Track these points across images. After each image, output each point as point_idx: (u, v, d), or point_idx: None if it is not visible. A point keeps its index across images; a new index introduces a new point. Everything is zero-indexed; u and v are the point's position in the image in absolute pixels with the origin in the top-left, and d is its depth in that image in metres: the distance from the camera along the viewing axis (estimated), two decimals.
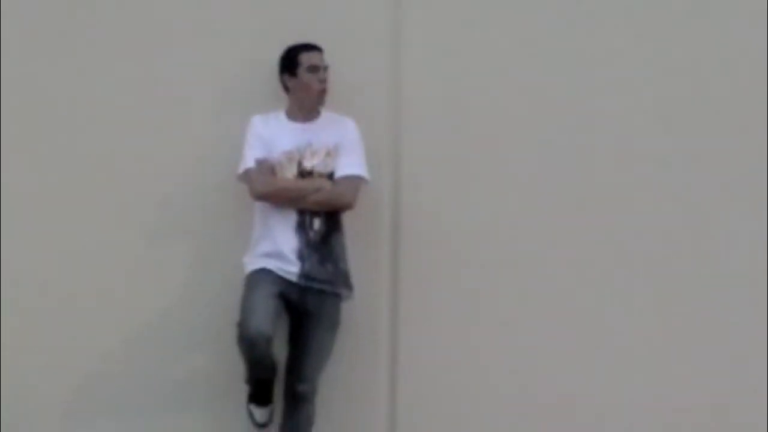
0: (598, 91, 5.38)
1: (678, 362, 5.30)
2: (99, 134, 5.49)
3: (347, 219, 5.22)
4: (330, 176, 5.17)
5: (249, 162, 5.15)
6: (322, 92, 5.22)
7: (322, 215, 5.14)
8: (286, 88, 5.27)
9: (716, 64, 5.34)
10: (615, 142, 5.37)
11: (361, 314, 5.31)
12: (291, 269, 5.07)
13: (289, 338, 5.17)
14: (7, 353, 5.44)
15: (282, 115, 5.27)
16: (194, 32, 5.48)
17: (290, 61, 5.23)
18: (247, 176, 5.16)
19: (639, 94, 5.36)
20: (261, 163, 5.14)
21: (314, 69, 5.19)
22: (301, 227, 5.12)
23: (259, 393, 5.11)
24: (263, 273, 5.05)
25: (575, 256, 5.37)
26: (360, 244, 5.28)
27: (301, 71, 5.20)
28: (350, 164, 5.17)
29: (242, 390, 5.13)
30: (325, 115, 5.28)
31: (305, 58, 5.20)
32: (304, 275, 5.08)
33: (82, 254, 5.48)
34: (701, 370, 5.28)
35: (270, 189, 5.11)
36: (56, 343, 5.46)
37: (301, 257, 5.09)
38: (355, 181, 5.17)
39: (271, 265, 5.07)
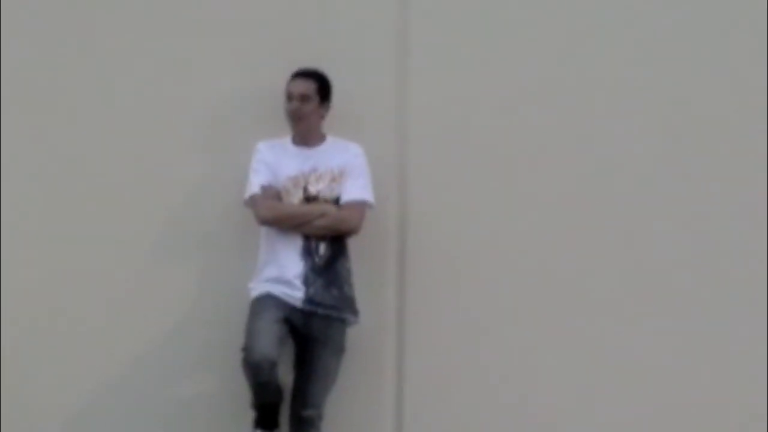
0: (609, 106, 5.38)
1: (683, 371, 5.29)
2: (105, 156, 5.52)
3: (353, 243, 5.22)
4: (336, 201, 5.18)
5: (254, 188, 5.17)
6: (296, 120, 5.21)
7: (328, 240, 5.15)
8: None
9: (717, 67, 5.34)
10: (623, 157, 5.36)
11: (367, 339, 5.30)
12: (296, 294, 5.09)
13: (295, 363, 5.18)
14: (8, 372, 5.44)
15: (288, 141, 5.29)
16: (206, 54, 5.50)
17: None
18: (252, 202, 5.19)
19: (648, 104, 5.36)
20: (266, 189, 5.16)
21: (288, 97, 5.22)
22: (307, 252, 5.13)
23: (265, 418, 5.09)
24: (268, 298, 5.07)
25: (583, 274, 5.37)
26: (366, 268, 5.28)
27: (285, 99, 5.25)
28: (355, 189, 5.19)
29: (248, 414, 5.11)
30: (331, 140, 5.29)
31: (287, 86, 5.25)
32: (308, 300, 5.09)
33: (86, 275, 5.49)
34: (705, 377, 5.28)
35: (275, 214, 5.13)
36: (57, 364, 5.47)
37: (306, 282, 5.10)
38: (360, 205, 5.18)
39: (276, 290, 5.09)
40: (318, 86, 5.24)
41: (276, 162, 5.21)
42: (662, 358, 5.30)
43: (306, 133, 5.25)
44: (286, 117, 5.25)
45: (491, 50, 5.44)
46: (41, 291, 5.51)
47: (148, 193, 5.50)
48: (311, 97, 5.22)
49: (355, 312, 5.21)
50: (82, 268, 5.50)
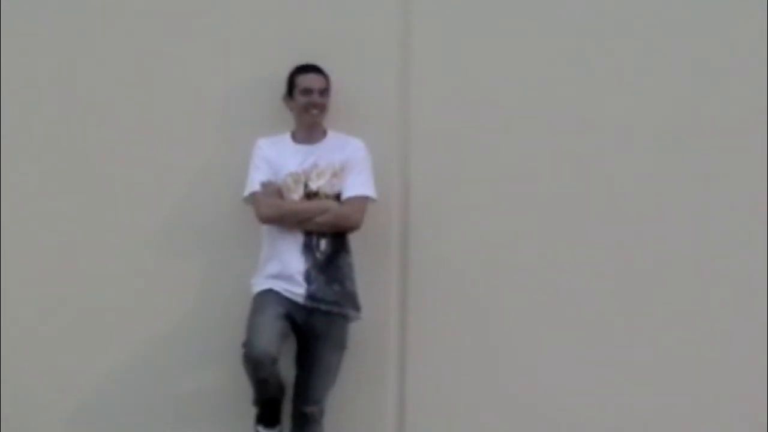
0: (614, 107, 5.35)
1: (690, 369, 5.27)
2: (106, 152, 5.53)
3: (355, 238, 5.21)
4: (337, 197, 5.18)
5: (254, 185, 5.18)
6: (316, 115, 5.23)
7: (329, 236, 5.15)
8: (289, 110, 5.31)
9: (720, 68, 5.31)
10: (628, 158, 5.33)
11: (369, 334, 5.29)
12: (297, 290, 5.09)
13: (296, 359, 5.17)
14: (8, 371, 5.46)
15: (288, 137, 5.29)
16: (207, 50, 5.50)
17: (289, 84, 5.28)
18: (252, 199, 5.19)
19: (655, 105, 5.32)
20: (266, 186, 5.16)
21: (307, 92, 5.22)
22: (308, 248, 5.13)
23: (267, 414, 5.09)
24: (270, 294, 5.07)
25: (586, 273, 5.34)
26: (368, 264, 5.28)
27: (297, 93, 5.24)
28: (356, 184, 5.18)
29: (250, 411, 5.11)
30: (332, 135, 5.29)
31: (300, 80, 5.24)
32: (310, 296, 5.09)
33: (86, 272, 5.52)
34: (711, 375, 5.26)
35: (276, 212, 5.14)
36: (57, 361, 5.49)
37: (307, 278, 5.10)
38: (361, 201, 5.17)
39: (278, 286, 5.09)
40: (327, 81, 5.27)
41: (276, 158, 5.21)
42: (671, 357, 5.28)
43: (317, 128, 5.25)
44: (297, 111, 5.23)
45: (495, 47, 5.42)
46: (41, 288, 5.53)
47: (148, 190, 5.50)
48: (326, 91, 5.25)
49: (357, 308, 5.20)
50: (82, 265, 5.52)
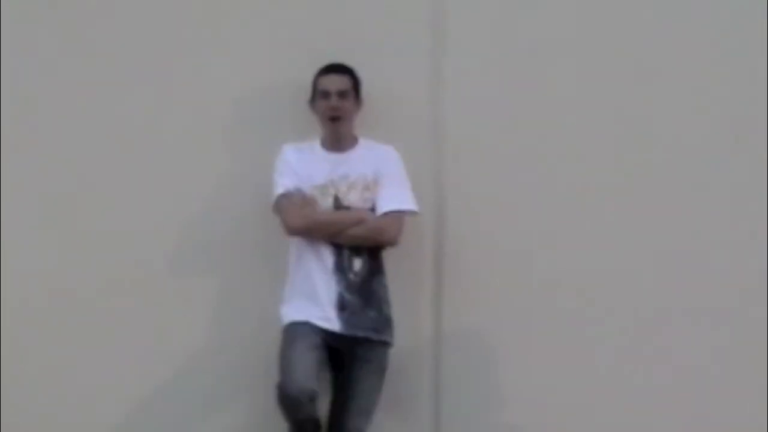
0: (656, 111, 5.17)
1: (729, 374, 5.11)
2: (119, 161, 5.22)
3: (385, 256, 4.90)
4: (371, 211, 4.86)
5: (280, 190, 4.82)
6: (336, 120, 4.86)
7: (364, 255, 4.81)
8: (316, 116, 4.97)
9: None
10: (668, 159, 5.15)
11: (402, 360, 4.99)
12: (331, 318, 4.76)
13: (333, 388, 4.84)
14: (9, 406, 5.16)
15: (316, 145, 4.93)
16: (226, 51, 5.21)
17: (312, 87, 4.92)
18: (279, 208, 4.82)
19: (696, 108, 5.16)
20: (294, 194, 4.80)
21: (325, 95, 4.86)
22: (340, 269, 4.79)
23: None
24: (301, 324, 4.74)
25: (630, 292, 5.14)
26: (400, 283, 4.97)
27: (316, 97, 4.89)
28: (392, 197, 4.84)
29: None
30: (363, 143, 4.94)
31: (320, 83, 4.89)
32: (344, 323, 4.76)
33: (96, 293, 5.17)
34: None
35: (305, 223, 4.78)
36: (66, 397, 5.17)
37: (341, 303, 4.77)
38: (398, 215, 4.83)
39: (309, 314, 4.75)
40: (353, 82, 4.90)
41: (303, 168, 4.85)
42: (715, 364, 5.11)
43: (342, 135, 4.89)
44: (319, 117, 4.90)
45: (530, 49, 5.18)
46: (45, 305, 5.19)
47: (162, 201, 5.17)
48: (349, 93, 4.87)
49: (392, 333, 4.88)
50: (91, 287, 5.18)
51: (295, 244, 4.83)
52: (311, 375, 4.57)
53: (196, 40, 5.20)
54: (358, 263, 4.79)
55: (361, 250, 4.79)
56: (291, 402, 4.52)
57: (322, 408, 4.75)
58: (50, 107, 5.23)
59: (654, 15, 5.15)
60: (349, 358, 4.78)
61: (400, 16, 5.16)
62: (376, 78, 4.99)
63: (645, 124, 5.14)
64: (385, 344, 4.83)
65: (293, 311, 4.77)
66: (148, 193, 5.17)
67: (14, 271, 5.16)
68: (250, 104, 5.15)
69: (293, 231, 4.78)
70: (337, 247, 4.78)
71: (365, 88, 4.95)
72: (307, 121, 4.96)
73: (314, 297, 4.75)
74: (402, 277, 4.98)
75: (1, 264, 5.15)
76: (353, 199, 4.82)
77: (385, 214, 4.80)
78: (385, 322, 4.83)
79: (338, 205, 4.82)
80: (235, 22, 5.19)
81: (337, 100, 4.83)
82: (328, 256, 4.78)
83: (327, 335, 4.73)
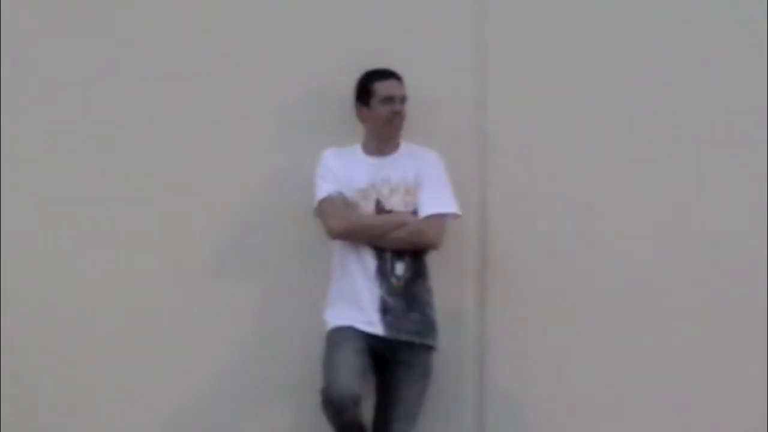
0: (699, 109, 5.11)
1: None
2: (162, 165, 5.17)
3: (428, 260, 4.87)
4: (413, 215, 4.83)
5: (323, 194, 4.80)
6: (397, 126, 4.87)
7: (406, 259, 4.78)
8: (361, 119, 4.92)
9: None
10: (713, 158, 5.10)
11: (445, 365, 4.96)
12: (373, 322, 4.73)
13: (377, 393, 4.81)
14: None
15: (357, 149, 4.91)
16: (270, 56, 5.16)
17: (364, 90, 4.88)
18: (321, 212, 4.80)
19: (741, 116, 5.09)
20: (336, 198, 4.79)
21: (389, 100, 4.84)
22: (382, 273, 4.76)
23: None
24: (345, 329, 4.72)
25: (679, 286, 5.07)
26: (443, 287, 4.92)
27: (375, 102, 4.85)
28: (434, 201, 4.81)
29: None
30: (405, 147, 4.91)
31: (380, 88, 4.84)
32: (387, 327, 4.73)
33: (133, 298, 5.13)
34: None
35: (348, 226, 4.76)
36: (90, 409, 5.13)
37: (383, 307, 4.74)
38: (440, 218, 4.80)
39: (352, 318, 4.73)
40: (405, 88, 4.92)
41: (344, 172, 4.83)
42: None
43: (392, 140, 4.88)
44: (373, 121, 4.86)
45: (573, 52, 5.13)
46: (74, 314, 5.14)
47: (205, 206, 5.12)
48: (405, 99, 4.87)
49: (436, 337, 4.84)
50: (124, 284, 5.13)
51: (338, 248, 4.81)
52: (355, 379, 4.54)
53: (237, 43, 5.16)
54: (400, 267, 4.76)
55: (403, 253, 4.76)
56: (336, 406, 4.49)
57: (367, 412, 4.72)
58: (78, 105, 5.20)
59: (701, 16, 5.11)
60: (393, 363, 4.75)
61: (443, 20, 5.12)
62: (419, 82, 4.95)
63: (689, 126, 5.09)
64: (429, 348, 4.79)
65: (336, 316, 4.75)
66: (191, 198, 5.13)
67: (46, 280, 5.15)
68: (292, 108, 5.12)
69: (335, 235, 4.76)
70: (380, 251, 4.76)
71: (408, 93, 4.92)
72: (348, 124, 4.94)
73: (357, 301, 4.73)
74: (446, 280, 4.95)
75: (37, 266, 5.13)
76: (395, 202, 4.80)
77: (427, 217, 4.77)
78: (428, 326, 4.79)
79: (380, 208, 4.80)
80: (275, 25, 5.16)
81: (401, 106, 4.84)
82: (370, 260, 4.75)
83: (370, 339, 4.70)
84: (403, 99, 4.86)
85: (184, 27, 5.19)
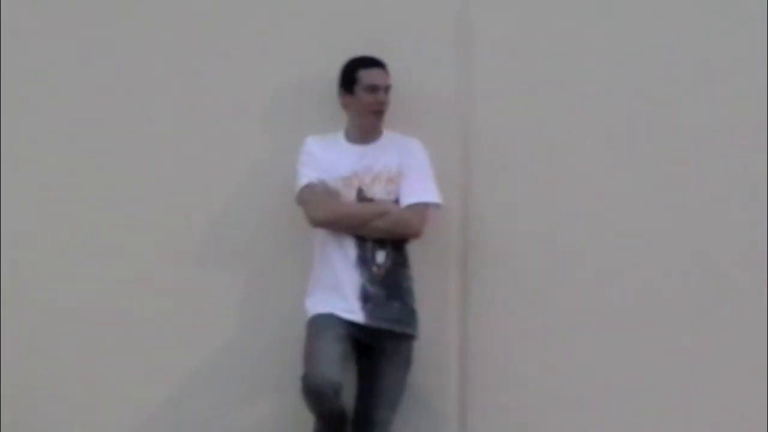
0: (689, 106, 5.09)
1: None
2: (143, 156, 5.21)
3: (410, 249, 4.88)
4: (395, 203, 4.84)
5: (304, 181, 4.81)
6: (380, 114, 4.88)
7: (387, 248, 4.79)
8: (344, 106, 4.92)
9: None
10: (702, 156, 5.08)
11: (428, 354, 4.96)
12: (354, 310, 4.74)
13: (358, 380, 4.82)
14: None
15: (340, 136, 4.92)
16: (254, 47, 5.17)
17: (348, 78, 4.87)
18: (302, 199, 4.81)
19: (727, 108, 5.07)
20: (318, 186, 4.80)
21: (373, 89, 4.84)
22: (363, 261, 4.77)
23: None
24: (326, 316, 4.72)
25: (662, 280, 5.07)
26: (425, 277, 4.94)
27: (359, 90, 4.85)
28: (416, 190, 4.82)
29: None
30: (387, 135, 4.91)
31: (364, 76, 4.84)
32: (368, 315, 4.73)
33: (117, 290, 5.17)
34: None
35: (330, 214, 4.77)
36: (83, 395, 5.16)
37: (364, 295, 4.75)
38: (422, 207, 4.81)
39: (333, 306, 4.73)
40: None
41: (327, 160, 4.84)
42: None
43: (376, 128, 4.89)
44: (357, 109, 4.87)
45: (558, 44, 5.12)
46: (68, 309, 5.19)
47: (186, 195, 5.15)
48: (390, 88, 4.88)
49: (416, 326, 4.85)
50: (110, 277, 5.17)
51: (319, 236, 4.82)
52: (336, 367, 4.55)
53: (222, 34, 5.17)
54: (381, 255, 4.77)
55: (384, 242, 4.77)
56: (315, 394, 4.50)
57: (349, 400, 4.74)
58: (68, 102, 5.23)
59: (692, 10, 5.10)
60: (374, 351, 4.77)
61: (427, 11, 5.12)
62: (403, 72, 4.96)
63: (675, 122, 5.07)
64: (409, 337, 4.81)
65: (318, 303, 4.76)
66: (172, 188, 5.16)
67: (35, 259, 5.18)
68: (275, 97, 5.13)
69: (316, 222, 4.77)
70: (361, 240, 4.76)
71: (393, 82, 4.92)
72: (331, 113, 4.95)
73: (338, 289, 4.74)
74: (428, 269, 4.95)
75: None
76: (377, 191, 4.80)
77: (409, 206, 4.78)
78: (409, 314, 4.80)
79: (362, 197, 4.80)
80: (261, 16, 5.16)
81: (384, 95, 4.85)
82: (351, 248, 4.76)
83: (351, 327, 4.71)
84: (387, 88, 4.86)
85: (170, 19, 5.21)
